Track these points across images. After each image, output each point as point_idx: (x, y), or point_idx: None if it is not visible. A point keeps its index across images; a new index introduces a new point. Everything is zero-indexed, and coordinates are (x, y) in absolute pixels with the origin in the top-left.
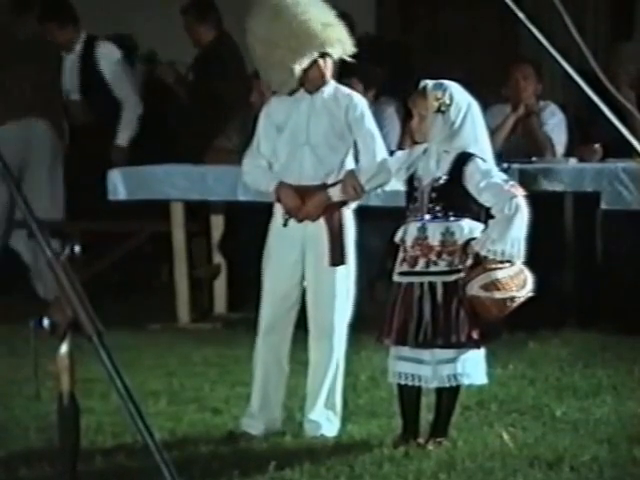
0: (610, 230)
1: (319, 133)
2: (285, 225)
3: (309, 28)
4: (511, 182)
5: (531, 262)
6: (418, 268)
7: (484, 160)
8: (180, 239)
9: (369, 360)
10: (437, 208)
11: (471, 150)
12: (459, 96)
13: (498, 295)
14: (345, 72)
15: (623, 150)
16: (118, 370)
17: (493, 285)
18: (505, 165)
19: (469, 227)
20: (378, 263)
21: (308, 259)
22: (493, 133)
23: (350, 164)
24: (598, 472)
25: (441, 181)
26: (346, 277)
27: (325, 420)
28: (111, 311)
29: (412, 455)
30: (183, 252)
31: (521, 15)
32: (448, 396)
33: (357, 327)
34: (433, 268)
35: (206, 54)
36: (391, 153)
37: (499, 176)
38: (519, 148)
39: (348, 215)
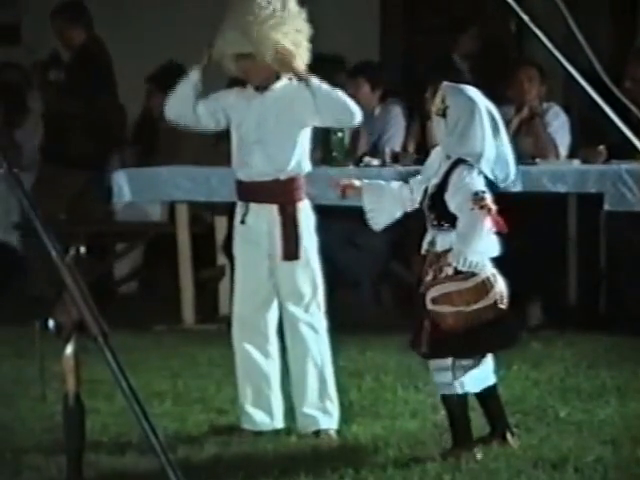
0: (614, 231)
1: (268, 131)
2: (243, 222)
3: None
4: (482, 194)
5: (535, 263)
6: (424, 276)
7: (476, 166)
8: (185, 240)
9: (373, 361)
10: (432, 216)
11: (476, 156)
12: (460, 100)
13: (446, 309)
14: (352, 71)
15: (627, 152)
16: (123, 371)
17: (442, 298)
18: None
19: (453, 238)
20: (381, 265)
21: (271, 255)
22: None
23: (306, 161)
24: (602, 473)
25: (434, 189)
26: (309, 269)
27: (322, 413)
28: (116, 312)
29: (416, 457)
30: (188, 253)
31: (525, 17)
32: (449, 404)
33: (362, 329)
34: (426, 277)
35: (79, 56)
36: (395, 156)
37: (474, 185)
38: (523, 149)
39: (304, 208)
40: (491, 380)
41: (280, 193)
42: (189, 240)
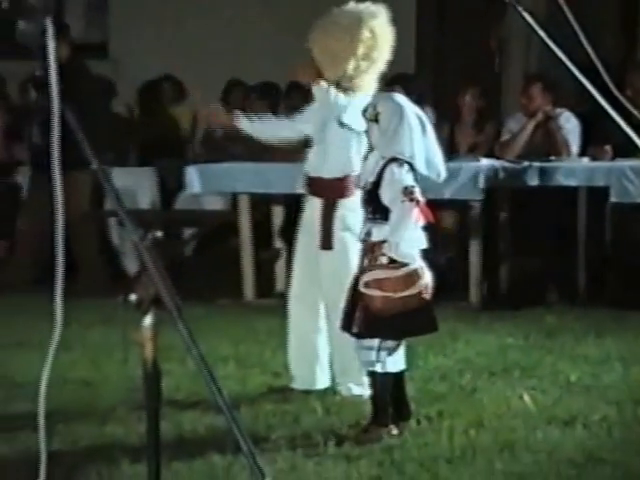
0: (618, 220)
1: (325, 135)
2: (303, 211)
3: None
4: (411, 188)
5: (549, 247)
6: (360, 262)
7: (410, 164)
8: (246, 226)
9: None
10: (368, 210)
11: (406, 154)
12: (390, 106)
13: (376, 293)
14: (389, 81)
15: (630, 151)
16: (194, 339)
17: (374, 283)
18: (526, 163)
19: (387, 230)
20: None
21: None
22: (515, 137)
23: (355, 163)
24: (607, 430)
25: (370, 186)
26: (345, 259)
27: (354, 384)
28: (187, 288)
29: (445, 414)
30: (248, 237)
31: (541, 32)
32: (373, 381)
33: None
34: (363, 263)
35: (63, 70)
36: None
37: (404, 180)
38: (539, 149)
39: (347, 204)
40: (404, 364)
41: (326, 189)
42: (249, 226)
